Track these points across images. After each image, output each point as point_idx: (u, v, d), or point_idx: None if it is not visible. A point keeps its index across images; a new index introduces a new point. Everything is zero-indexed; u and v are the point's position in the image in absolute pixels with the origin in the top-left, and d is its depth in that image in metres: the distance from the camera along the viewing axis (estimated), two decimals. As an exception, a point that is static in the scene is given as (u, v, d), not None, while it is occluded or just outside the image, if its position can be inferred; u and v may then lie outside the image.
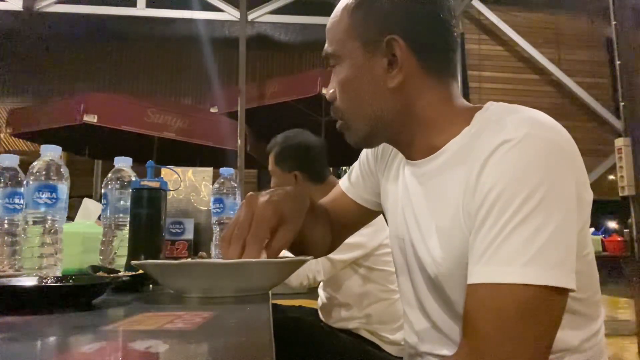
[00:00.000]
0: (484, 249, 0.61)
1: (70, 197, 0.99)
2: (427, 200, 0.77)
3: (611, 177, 6.06)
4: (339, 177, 1.86)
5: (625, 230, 3.85)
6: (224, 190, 1.24)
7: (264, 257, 0.75)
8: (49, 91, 7.49)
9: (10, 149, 8.10)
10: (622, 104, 3.66)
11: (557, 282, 0.58)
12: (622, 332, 3.80)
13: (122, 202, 1.07)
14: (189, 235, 1.37)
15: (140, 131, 5.36)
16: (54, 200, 0.93)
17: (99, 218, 1.38)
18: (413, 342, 0.83)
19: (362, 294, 1.56)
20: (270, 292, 0.77)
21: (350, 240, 1.10)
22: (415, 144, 0.78)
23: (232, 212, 1.24)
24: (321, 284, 1.66)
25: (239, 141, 5.60)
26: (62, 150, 1.00)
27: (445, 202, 0.71)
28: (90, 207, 1.50)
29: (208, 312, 0.59)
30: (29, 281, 0.72)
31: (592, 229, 4.61)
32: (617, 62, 3.68)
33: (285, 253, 0.91)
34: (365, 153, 0.98)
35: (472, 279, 0.62)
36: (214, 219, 1.25)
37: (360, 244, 1.51)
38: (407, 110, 0.76)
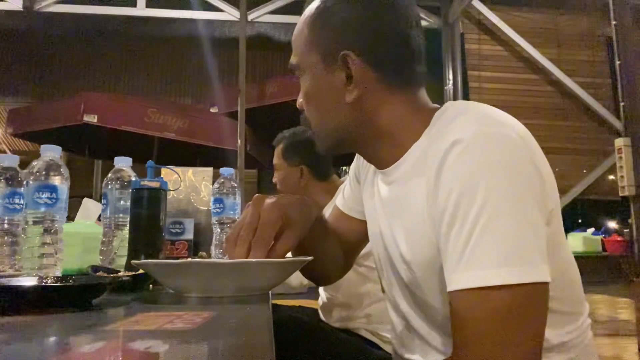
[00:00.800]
0: (457, 255, 0.61)
1: (70, 197, 0.99)
2: (397, 206, 0.77)
3: (611, 177, 6.06)
4: (339, 177, 1.86)
5: (625, 230, 3.85)
6: (224, 190, 1.24)
7: None
8: (49, 91, 7.49)
9: (10, 149, 8.10)
10: (622, 104, 3.67)
11: (535, 277, 0.58)
12: (622, 332, 3.81)
13: (122, 202, 1.06)
14: (189, 235, 1.37)
15: (140, 131, 5.36)
16: (54, 200, 0.93)
17: (99, 218, 1.38)
18: (396, 347, 0.85)
19: (362, 294, 1.56)
20: (270, 292, 0.77)
21: None
22: (381, 153, 0.79)
23: (232, 212, 1.24)
24: (321, 283, 1.66)
25: (239, 141, 5.60)
26: (62, 150, 1.00)
27: (412, 207, 0.71)
28: (90, 207, 1.50)
29: (208, 312, 0.59)
30: (29, 281, 0.72)
31: (592, 229, 4.61)
32: (617, 62, 3.69)
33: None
34: (353, 163, 0.99)
35: (451, 286, 0.61)
36: (214, 219, 1.25)
37: None
38: (368, 123, 0.77)
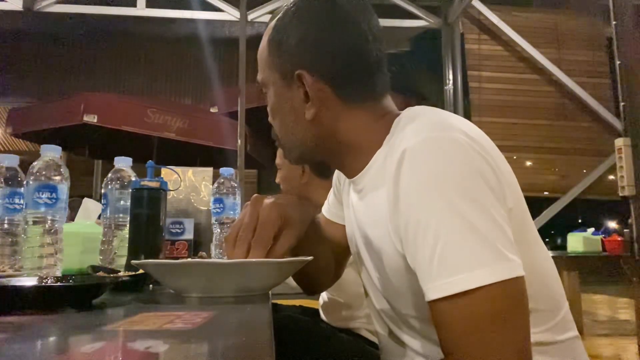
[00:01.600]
0: (426, 266, 0.60)
1: (70, 197, 0.99)
2: (366, 215, 0.78)
3: (611, 177, 6.05)
4: None
5: (625, 230, 3.84)
6: (224, 190, 1.24)
7: None
8: (49, 91, 7.48)
9: (10, 149, 8.10)
10: (622, 104, 3.66)
11: (507, 274, 0.58)
12: (622, 332, 3.80)
13: (122, 202, 1.07)
14: (189, 235, 1.37)
15: (140, 131, 5.36)
16: (54, 200, 0.93)
17: (99, 218, 1.38)
18: (383, 355, 0.87)
19: (362, 294, 1.56)
20: (270, 292, 0.77)
21: None
22: (347, 163, 0.80)
23: (232, 212, 1.24)
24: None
25: (239, 141, 5.60)
26: (62, 150, 1.00)
27: (377, 216, 0.72)
28: (90, 207, 1.50)
29: (208, 312, 0.59)
30: (29, 281, 0.72)
31: (592, 229, 4.60)
32: (617, 62, 3.68)
33: None
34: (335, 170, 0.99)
35: (429, 296, 0.60)
36: (214, 219, 1.25)
37: None
38: (330, 137, 0.78)
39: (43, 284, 0.71)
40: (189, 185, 1.59)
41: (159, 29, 7.10)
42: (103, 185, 1.09)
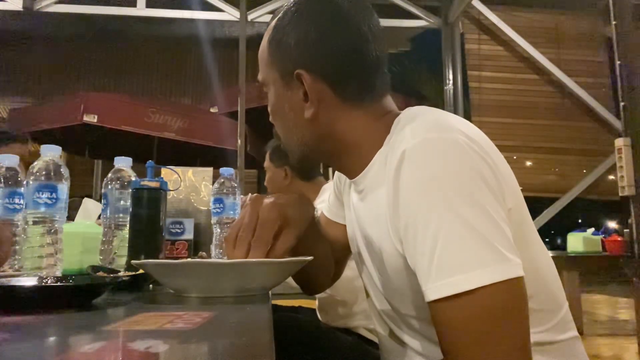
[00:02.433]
0: (426, 267, 0.60)
1: (71, 197, 0.99)
2: (366, 215, 0.79)
3: (611, 177, 6.05)
4: (327, 178, 1.90)
5: (625, 230, 3.84)
6: (224, 190, 1.24)
7: None
8: (49, 91, 7.48)
9: (10, 149, 8.07)
10: (622, 104, 3.66)
11: (506, 274, 0.57)
12: (622, 332, 3.81)
13: (122, 202, 1.06)
14: (189, 235, 1.37)
15: (140, 131, 5.36)
16: (54, 200, 0.93)
17: (99, 218, 1.38)
18: (383, 354, 0.87)
19: (357, 288, 1.56)
20: (270, 292, 0.77)
21: None
22: (348, 164, 0.81)
23: (232, 212, 1.24)
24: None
25: (239, 141, 5.60)
26: (62, 150, 1.00)
27: (378, 215, 0.72)
28: (90, 207, 1.50)
29: (208, 312, 0.59)
30: (29, 281, 0.72)
31: (592, 229, 4.60)
32: (617, 62, 3.68)
33: None
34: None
35: (429, 296, 0.60)
36: (214, 219, 1.25)
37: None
38: (330, 136, 0.78)
39: (43, 284, 0.71)
40: (189, 185, 1.59)
41: (159, 29, 7.10)
42: (103, 185, 1.09)
